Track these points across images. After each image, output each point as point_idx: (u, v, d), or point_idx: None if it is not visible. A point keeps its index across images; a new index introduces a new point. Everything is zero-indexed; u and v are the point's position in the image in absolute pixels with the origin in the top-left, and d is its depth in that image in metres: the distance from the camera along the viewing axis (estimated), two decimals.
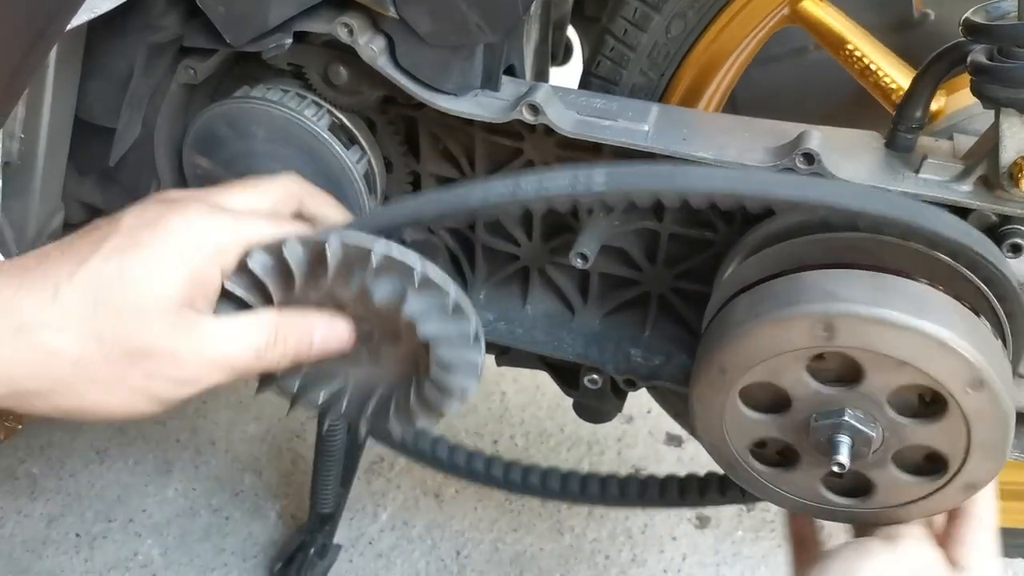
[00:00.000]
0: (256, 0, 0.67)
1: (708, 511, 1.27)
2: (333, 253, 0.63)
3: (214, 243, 0.64)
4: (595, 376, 0.86)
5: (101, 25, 0.74)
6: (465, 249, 0.93)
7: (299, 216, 0.72)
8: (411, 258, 0.63)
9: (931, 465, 0.67)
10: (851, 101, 0.94)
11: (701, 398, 0.67)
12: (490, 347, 0.90)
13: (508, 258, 0.91)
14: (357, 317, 0.67)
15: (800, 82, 0.95)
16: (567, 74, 1.06)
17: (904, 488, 0.67)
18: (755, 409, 0.67)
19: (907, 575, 0.67)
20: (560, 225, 0.86)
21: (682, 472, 0.91)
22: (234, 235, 0.65)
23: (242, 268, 0.65)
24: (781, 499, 0.71)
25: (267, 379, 0.70)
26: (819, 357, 0.64)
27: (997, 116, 0.62)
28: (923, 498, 0.68)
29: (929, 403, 0.64)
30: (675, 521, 1.26)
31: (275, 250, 0.65)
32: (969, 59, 0.62)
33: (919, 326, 0.59)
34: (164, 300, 0.61)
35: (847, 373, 0.64)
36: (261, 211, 0.68)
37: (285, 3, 0.67)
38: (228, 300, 0.66)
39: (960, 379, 0.60)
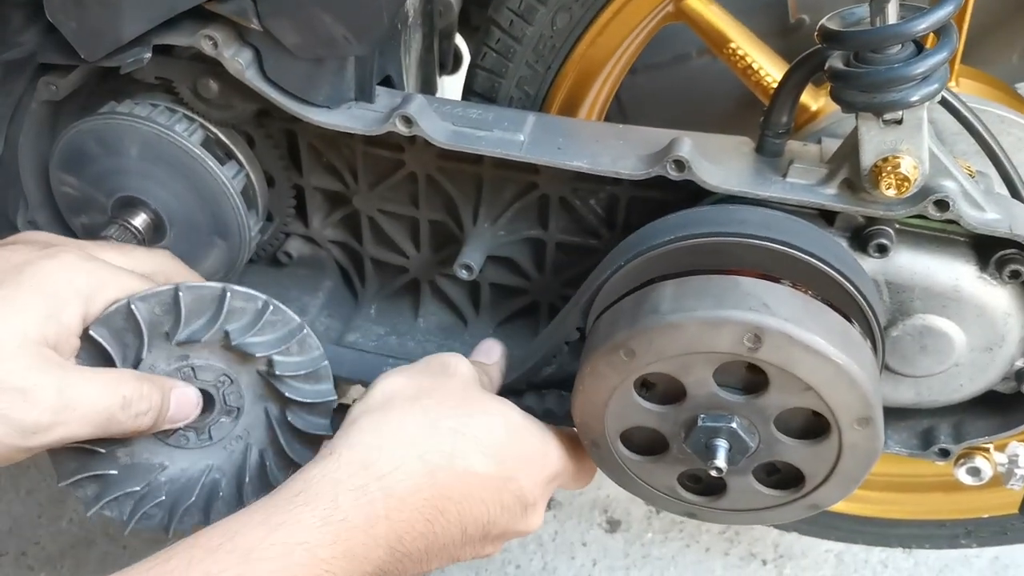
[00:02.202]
0: (108, 14, 0.64)
1: (618, 514, 1.28)
2: (184, 299, 0.65)
3: (82, 288, 0.62)
4: None
5: None
6: (354, 263, 0.91)
7: None
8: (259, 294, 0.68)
9: (787, 481, 0.68)
10: (735, 107, 0.96)
11: (595, 373, 0.65)
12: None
13: (398, 271, 0.90)
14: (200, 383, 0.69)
15: (685, 89, 0.96)
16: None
17: (754, 496, 0.68)
18: (644, 397, 0.66)
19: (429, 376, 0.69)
20: (448, 237, 0.86)
21: None
22: (104, 284, 0.63)
23: (106, 320, 0.64)
24: (632, 485, 0.71)
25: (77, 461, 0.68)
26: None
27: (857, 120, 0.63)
28: (767, 508, 0.69)
29: (809, 427, 0.65)
30: (586, 527, 1.26)
31: (150, 301, 0.64)
32: (827, 66, 0.63)
33: (838, 358, 0.60)
34: (20, 336, 0.58)
35: (749, 384, 0.64)
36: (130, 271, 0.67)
37: (139, 17, 0.65)
38: (87, 352, 0.64)
39: (853, 414, 0.62)
